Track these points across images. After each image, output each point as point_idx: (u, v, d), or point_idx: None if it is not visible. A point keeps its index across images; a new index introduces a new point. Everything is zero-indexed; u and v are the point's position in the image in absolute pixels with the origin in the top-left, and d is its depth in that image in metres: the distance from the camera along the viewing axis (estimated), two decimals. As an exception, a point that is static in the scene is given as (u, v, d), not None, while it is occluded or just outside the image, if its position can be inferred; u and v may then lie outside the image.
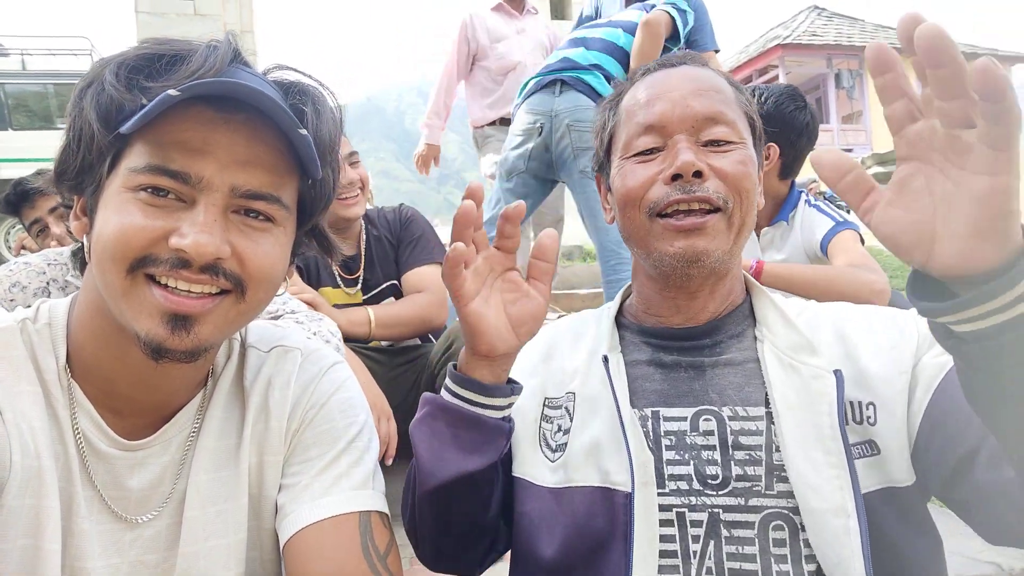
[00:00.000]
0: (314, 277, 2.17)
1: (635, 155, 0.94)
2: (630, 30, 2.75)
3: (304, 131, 0.74)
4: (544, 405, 0.98)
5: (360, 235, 2.24)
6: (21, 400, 0.74)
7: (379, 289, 2.21)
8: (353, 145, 2.22)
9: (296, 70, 0.84)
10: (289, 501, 0.83)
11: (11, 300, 1.55)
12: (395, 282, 2.23)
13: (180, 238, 0.69)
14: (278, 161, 0.76)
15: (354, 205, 2.12)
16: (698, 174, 0.88)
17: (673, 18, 2.67)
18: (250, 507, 0.85)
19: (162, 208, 0.71)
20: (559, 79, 2.73)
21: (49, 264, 1.63)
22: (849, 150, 16.00)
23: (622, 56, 2.75)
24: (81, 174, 0.75)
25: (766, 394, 0.86)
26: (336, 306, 2.18)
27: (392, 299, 2.24)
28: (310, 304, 1.88)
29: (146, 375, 0.78)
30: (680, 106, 0.92)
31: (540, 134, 2.75)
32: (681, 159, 0.88)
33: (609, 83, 2.69)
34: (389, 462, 1.78)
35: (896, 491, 0.80)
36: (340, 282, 2.19)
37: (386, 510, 0.87)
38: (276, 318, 1.61)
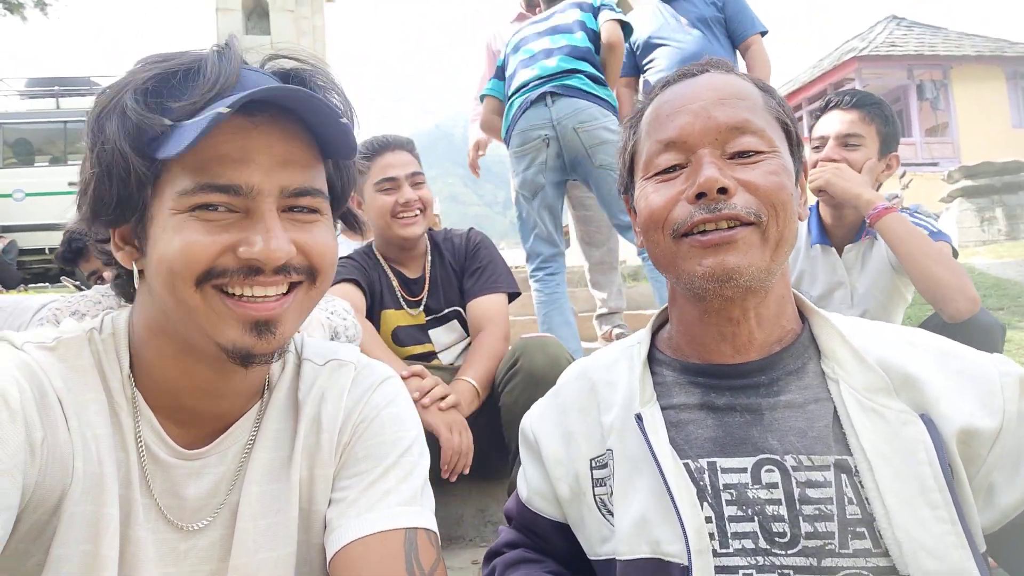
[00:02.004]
0: (377, 299, 2.20)
1: (657, 174, 0.88)
2: (582, 28, 2.87)
3: (345, 120, 0.75)
4: (592, 468, 0.92)
5: (425, 257, 2.25)
6: (87, 409, 0.76)
7: (442, 314, 2.21)
8: (422, 170, 2.25)
9: (291, 57, 0.83)
10: (336, 516, 0.83)
11: None
12: (458, 308, 2.22)
13: (249, 247, 0.71)
14: (309, 154, 0.78)
15: (412, 225, 2.13)
16: (723, 190, 0.81)
17: (622, 22, 2.89)
18: (300, 521, 0.84)
19: (218, 222, 0.72)
20: (545, 92, 2.81)
21: (103, 296, 1.71)
22: (935, 164, 15.19)
23: (589, 54, 2.87)
24: (120, 205, 0.75)
25: (835, 440, 0.78)
26: (400, 328, 2.19)
27: (456, 323, 2.22)
28: (417, 376, 1.88)
29: (211, 386, 0.80)
30: (701, 118, 0.85)
31: (548, 145, 2.83)
32: (704, 175, 0.81)
33: (593, 82, 2.83)
34: None
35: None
36: (403, 303, 2.20)
37: (434, 528, 0.84)
38: None
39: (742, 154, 0.84)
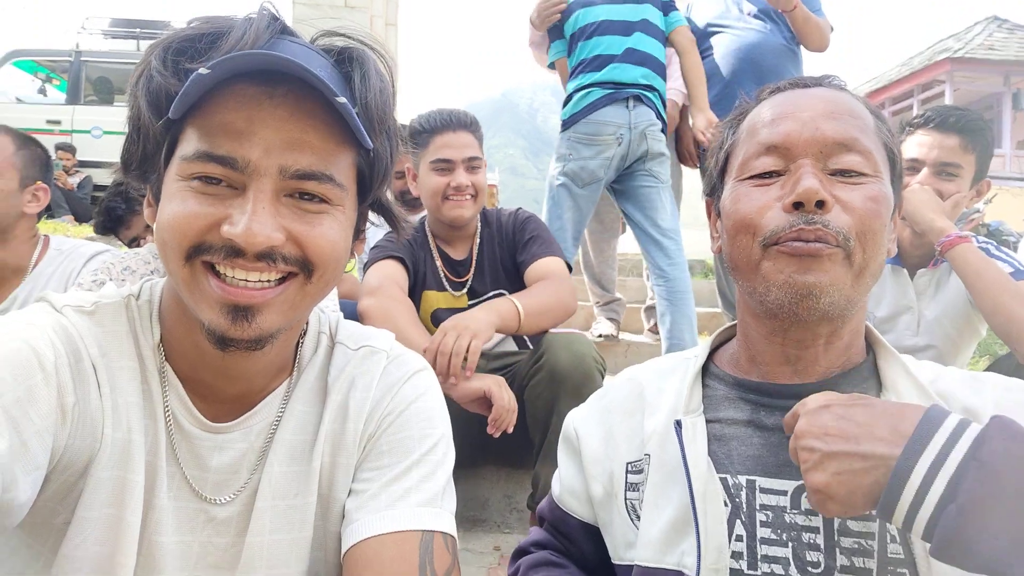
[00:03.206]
0: (421, 279, 2.17)
1: (752, 177, 0.85)
2: (661, 37, 2.98)
3: (342, 99, 0.69)
4: (627, 471, 0.90)
5: (474, 239, 2.21)
6: (120, 375, 0.76)
7: (486, 297, 2.16)
8: (484, 140, 2.21)
9: (345, 35, 0.80)
10: (355, 508, 0.81)
11: (123, 281, 1.67)
12: (503, 292, 2.16)
13: (231, 227, 0.68)
14: (327, 136, 0.73)
15: (459, 207, 2.09)
16: (821, 204, 0.77)
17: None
18: (318, 506, 0.84)
19: (215, 196, 0.70)
20: (629, 96, 2.86)
21: (154, 256, 1.73)
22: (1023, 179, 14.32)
23: (664, 72, 2.99)
24: (143, 164, 0.76)
25: None
26: (440, 310, 2.15)
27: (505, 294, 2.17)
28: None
29: (220, 362, 0.78)
30: (809, 127, 0.81)
31: (620, 144, 2.87)
32: (804, 185, 0.77)
33: (662, 103, 2.98)
34: None
35: None
36: (447, 284, 2.17)
37: (452, 532, 0.82)
38: None
39: (844, 172, 0.80)
